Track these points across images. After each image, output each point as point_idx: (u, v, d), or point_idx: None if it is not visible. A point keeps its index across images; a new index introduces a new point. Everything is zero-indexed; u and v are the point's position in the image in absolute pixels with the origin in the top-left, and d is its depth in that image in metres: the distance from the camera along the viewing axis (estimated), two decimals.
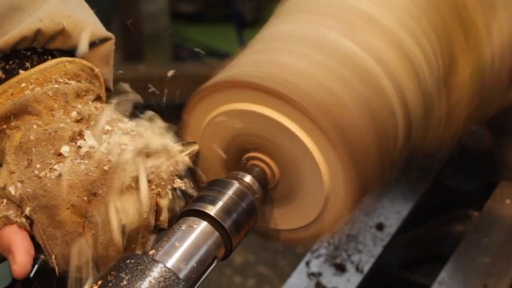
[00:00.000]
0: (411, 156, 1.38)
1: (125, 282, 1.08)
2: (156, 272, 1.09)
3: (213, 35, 4.31)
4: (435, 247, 1.92)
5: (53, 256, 1.16)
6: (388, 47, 1.30)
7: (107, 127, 1.21)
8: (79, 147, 1.17)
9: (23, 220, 1.15)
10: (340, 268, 1.71)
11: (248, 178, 1.25)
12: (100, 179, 1.16)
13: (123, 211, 1.17)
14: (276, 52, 1.28)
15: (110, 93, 1.33)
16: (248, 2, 4.28)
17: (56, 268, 1.16)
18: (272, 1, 1.41)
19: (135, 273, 1.09)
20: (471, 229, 1.73)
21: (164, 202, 1.20)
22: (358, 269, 1.71)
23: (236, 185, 1.22)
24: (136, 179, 1.18)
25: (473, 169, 1.89)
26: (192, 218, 1.18)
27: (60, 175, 1.15)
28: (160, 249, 1.14)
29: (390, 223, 1.78)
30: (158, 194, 1.20)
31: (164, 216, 1.20)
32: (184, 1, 4.38)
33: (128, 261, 1.10)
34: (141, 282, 1.08)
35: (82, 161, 1.16)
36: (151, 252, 1.15)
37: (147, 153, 1.20)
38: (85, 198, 1.15)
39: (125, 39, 3.99)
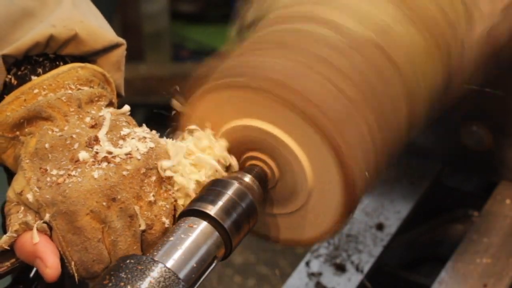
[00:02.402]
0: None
1: (125, 282, 1.08)
2: (156, 272, 1.09)
3: (213, 35, 4.31)
4: (435, 247, 1.92)
5: (73, 263, 1.15)
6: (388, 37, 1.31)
7: (123, 132, 1.20)
8: (96, 152, 1.16)
9: (44, 225, 1.14)
10: (340, 268, 1.71)
11: (248, 178, 1.25)
12: (119, 184, 1.15)
13: (142, 217, 1.16)
14: (276, 54, 1.28)
15: (122, 99, 1.33)
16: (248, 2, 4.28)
17: (76, 275, 1.15)
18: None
19: (135, 273, 1.09)
20: (471, 229, 1.73)
21: (182, 207, 1.20)
22: (358, 269, 1.71)
23: (236, 185, 1.22)
24: (154, 184, 1.18)
25: (473, 169, 1.89)
26: (192, 218, 1.18)
27: (78, 181, 1.14)
28: (160, 249, 1.14)
29: (390, 223, 1.78)
30: (176, 200, 1.20)
31: None
32: (184, 1, 4.38)
33: (128, 261, 1.10)
34: (141, 282, 1.08)
35: (100, 166, 1.15)
36: (151, 252, 1.15)
37: (163, 158, 1.20)
38: (104, 203, 1.14)
39: (125, 39, 3.98)
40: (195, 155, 1.23)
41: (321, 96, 1.22)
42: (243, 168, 1.27)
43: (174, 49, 4.26)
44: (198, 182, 1.22)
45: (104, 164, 1.16)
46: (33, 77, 1.22)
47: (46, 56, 1.24)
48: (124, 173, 1.16)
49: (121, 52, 1.30)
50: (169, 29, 4.17)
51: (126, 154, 1.17)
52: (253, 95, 1.23)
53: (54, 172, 1.15)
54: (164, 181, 1.19)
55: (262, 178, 1.26)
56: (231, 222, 1.19)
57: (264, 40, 1.32)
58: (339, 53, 1.28)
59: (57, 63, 1.25)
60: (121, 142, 1.19)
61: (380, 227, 1.78)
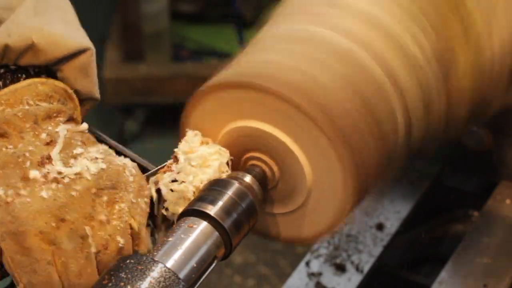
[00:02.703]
0: (412, 155, 1.38)
1: (125, 282, 1.08)
2: (156, 272, 1.09)
3: (213, 35, 4.31)
4: (435, 247, 1.92)
5: (22, 285, 1.13)
6: (388, 48, 1.30)
7: (76, 151, 1.18)
8: (48, 172, 1.15)
9: None
10: (340, 268, 1.71)
11: (248, 178, 1.25)
12: (68, 205, 1.13)
13: (93, 238, 1.14)
14: (278, 52, 1.29)
15: (96, 102, 1.31)
16: (248, 2, 4.28)
17: None
18: (272, 1, 1.42)
19: (135, 273, 1.09)
20: (471, 229, 1.73)
21: (140, 227, 1.18)
22: (358, 269, 1.71)
23: (236, 185, 1.22)
24: (106, 204, 1.16)
25: (473, 169, 1.88)
26: (192, 218, 1.18)
27: (27, 201, 1.12)
28: (160, 249, 1.14)
29: (390, 223, 1.78)
30: (133, 217, 1.17)
31: (144, 242, 1.18)
32: (184, 1, 4.37)
33: (128, 261, 1.10)
34: (141, 282, 1.08)
35: (49, 186, 1.14)
36: (151, 252, 1.15)
37: (115, 179, 1.18)
38: (53, 224, 1.12)
39: (125, 39, 3.99)
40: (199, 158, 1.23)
41: (324, 95, 1.22)
42: (243, 168, 1.27)
43: (174, 49, 4.25)
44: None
45: (54, 184, 1.14)
46: None
47: (7, 67, 1.23)
48: (73, 193, 1.14)
49: (87, 57, 1.27)
50: (169, 29, 4.17)
51: (76, 174, 1.16)
52: (253, 94, 1.23)
53: (3, 190, 1.13)
54: (117, 201, 1.17)
55: (262, 178, 1.26)
56: (231, 222, 1.19)
57: (266, 39, 1.33)
58: (340, 54, 1.28)
59: (19, 75, 1.23)
60: (72, 161, 1.17)
61: (380, 227, 1.78)
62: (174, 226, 1.18)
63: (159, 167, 1.26)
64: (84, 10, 1.36)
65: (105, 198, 1.16)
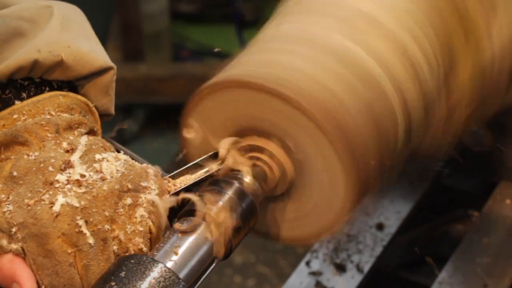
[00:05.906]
0: (412, 156, 1.38)
1: (125, 282, 1.08)
2: (156, 272, 1.09)
3: (213, 35, 4.32)
4: (435, 247, 1.92)
5: (43, 287, 1.13)
6: (388, 48, 1.30)
7: (98, 157, 1.18)
8: (69, 175, 1.15)
9: (19, 247, 1.13)
10: (340, 268, 1.72)
11: (248, 178, 1.25)
12: (91, 207, 1.13)
13: (116, 240, 1.14)
14: (277, 52, 1.29)
15: (111, 116, 1.32)
16: (248, 2, 4.28)
17: None
18: (272, 1, 1.42)
19: (135, 273, 1.09)
20: (471, 229, 1.74)
21: (158, 232, 1.18)
22: (358, 269, 1.71)
23: (236, 185, 1.22)
24: (129, 207, 1.16)
25: (473, 169, 1.89)
26: (192, 218, 1.18)
27: (50, 203, 1.13)
28: (160, 249, 1.14)
29: (390, 223, 1.78)
30: (152, 222, 1.17)
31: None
32: (184, 1, 4.38)
33: (128, 261, 1.10)
34: (141, 282, 1.08)
35: (72, 188, 1.14)
36: (151, 252, 1.15)
37: (137, 183, 1.18)
38: (76, 226, 1.12)
39: (125, 39, 3.99)
40: None
41: (323, 94, 1.22)
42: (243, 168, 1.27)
43: (174, 49, 4.26)
44: None
45: (76, 187, 1.14)
46: (16, 102, 1.21)
47: (32, 80, 1.23)
48: (96, 196, 1.14)
49: (110, 77, 1.29)
50: (169, 29, 4.17)
51: (99, 177, 1.16)
52: (263, 96, 1.23)
53: (27, 194, 1.14)
54: (139, 204, 1.17)
55: (262, 178, 1.26)
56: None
57: (271, 38, 1.32)
58: (342, 56, 1.28)
59: (43, 88, 1.24)
60: (95, 165, 1.17)
61: (380, 227, 1.78)
62: (174, 226, 1.18)
63: (179, 170, 1.26)
64: (84, 10, 1.36)
65: (127, 201, 1.16)
